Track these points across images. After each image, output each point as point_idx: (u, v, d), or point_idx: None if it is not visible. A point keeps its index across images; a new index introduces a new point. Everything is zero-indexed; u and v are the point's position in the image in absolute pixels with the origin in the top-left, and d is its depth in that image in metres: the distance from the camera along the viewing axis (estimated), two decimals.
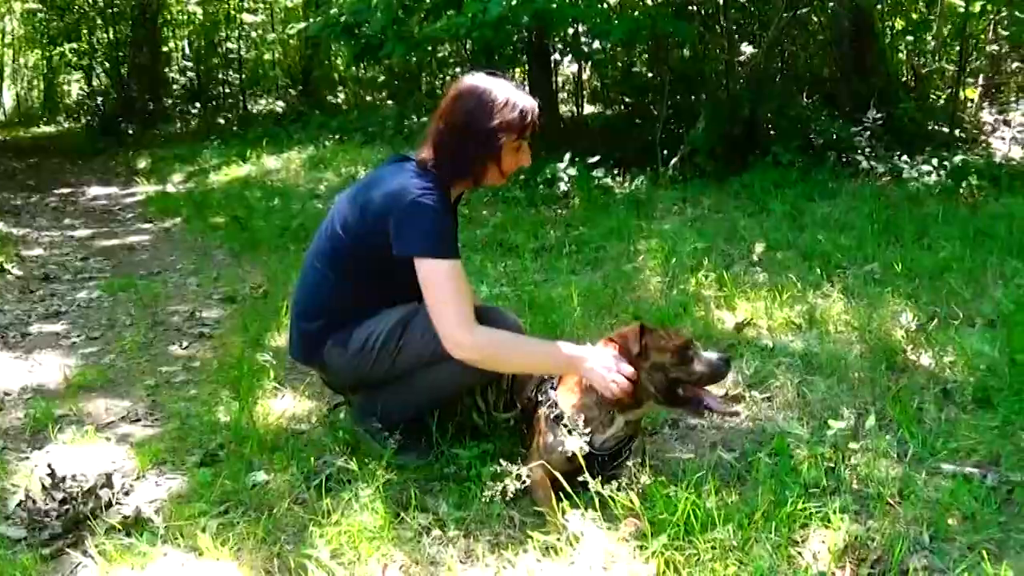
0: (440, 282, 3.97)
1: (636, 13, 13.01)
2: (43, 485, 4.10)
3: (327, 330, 4.38)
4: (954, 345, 5.33)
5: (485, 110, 4.07)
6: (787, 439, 4.32)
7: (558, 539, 3.45)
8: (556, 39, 14.88)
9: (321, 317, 4.41)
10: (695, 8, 13.96)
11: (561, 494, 3.66)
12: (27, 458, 4.73)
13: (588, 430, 3.81)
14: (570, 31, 14.21)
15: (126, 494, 4.23)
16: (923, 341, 5.50)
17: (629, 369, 3.88)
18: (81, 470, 4.33)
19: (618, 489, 3.56)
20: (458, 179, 4.24)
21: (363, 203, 4.22)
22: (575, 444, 3.67)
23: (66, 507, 3.96)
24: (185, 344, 6.67)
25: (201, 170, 16.48)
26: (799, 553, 3.43)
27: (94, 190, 16.02)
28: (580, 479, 3.60)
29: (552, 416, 4.01)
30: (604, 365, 3.89)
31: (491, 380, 4.48)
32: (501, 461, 3.68)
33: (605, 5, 12.94)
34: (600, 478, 3.61)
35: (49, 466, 4.22)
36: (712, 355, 3.96)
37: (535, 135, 4.25)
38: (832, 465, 4.09)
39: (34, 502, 4.01)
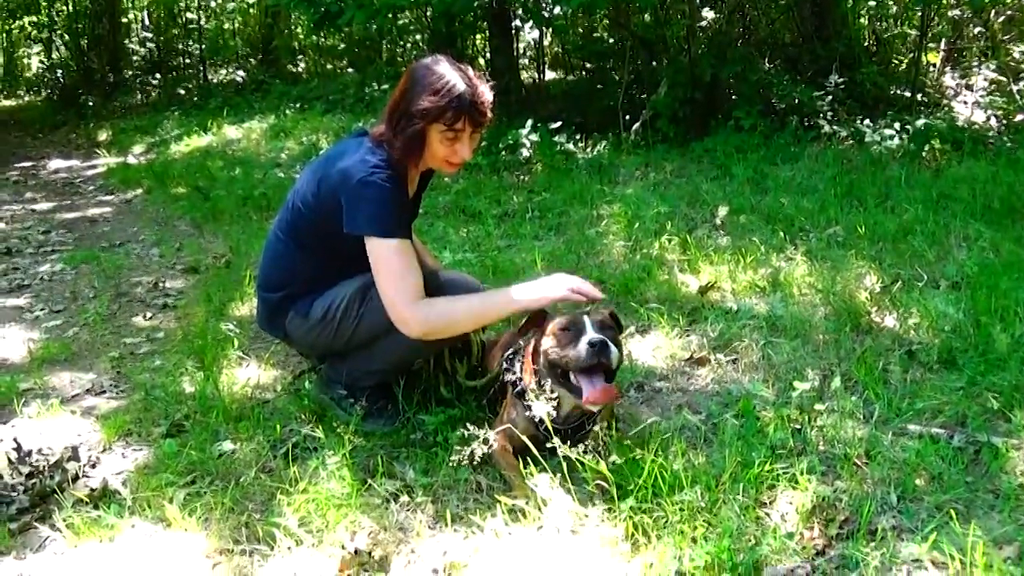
0: (385, 261, 4.00)
1: None
2: (9, 460, 4.08)
3: (288, 300, 4.40)
4: (918, 307, 5.35)
5: (416, 92, 4.04)
6: (753, 401, 4.35)
7: (526, 503, 3.45)
8: (516, 5, 14.80)
9: (282, 288, 4.43)
10: None
11: (529, 459, 3.66)
12: None
13: (555, 396, 3.81)
14: None
15: (93, 467, 4.22)
16: (887, 303, 5.52)
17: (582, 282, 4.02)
18: (47, 444, 4.33)
19: (585, 452, 3.56)
20: (404, 158, 4.18)
21: (320, 178, 4.22)
22: (542, 410, 3.66)
23: (33, 481, 3.94)
24: (149, 315, 6.64)
25: (162, 141, 16.37)
26: (767, 514, 3.45)
27: (55, 163, 15.89)
28: (548, 445, 3.60)
29: (515, 391, 4.03)
30: (553, 283, 4.03)
31: (455, 346, 4.49)
32: (468, 426, 3.69)
33: None
34: (568, 443, 3.61)
35: (15, 440, 4.21)
36: (586, 339, 3.78)
37: (479, 127, 4.18)
38: (798, 427, 4.11)
39: (1, 477, 3.99)
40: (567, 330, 3.87)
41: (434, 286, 4.15)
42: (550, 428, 3.64)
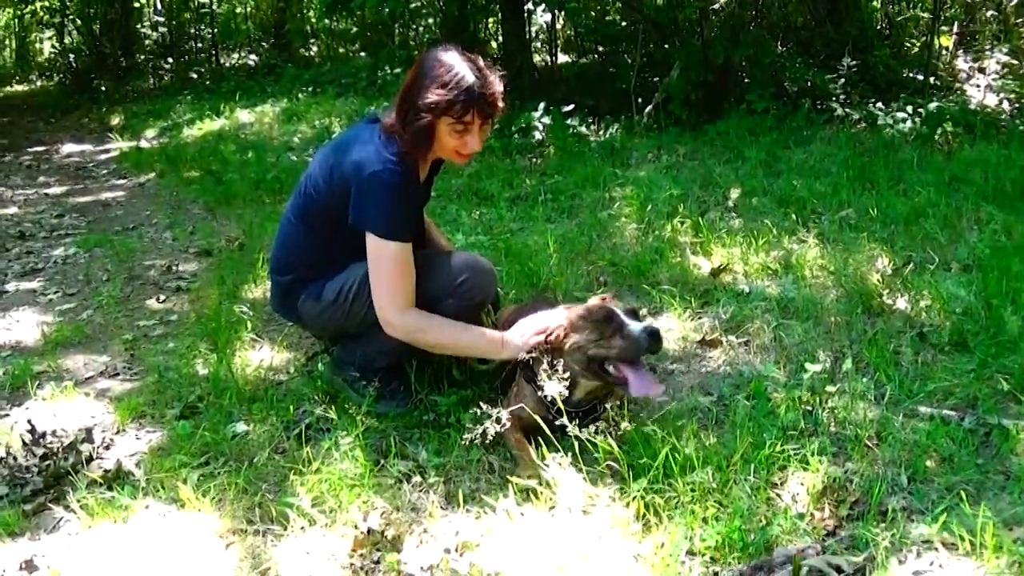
0: (382, 262, 4.04)
1: None
2: (24, 442, 4.12)
3: (300, 283, 4.43)
4: (930, 289, 5.34)
5: (424, 84, 4.02)
6: (764, 383, 4.36)
7: (538, 483, 3.46)
8: None
9: (294, 271, 4.46)
10: None
11: (540, 439, 3.67)
12: (7, 415, 4.75)
13: (567, 376, 3.82)
14: None
15: (106, 448, 4.25)
16: (899, 285, 5.52)
17: (536, 330, 4.00)
18: (61, 426, 4.37)
19: (596, 433, 3.57)
20: (414, 150, 4.18)
21: (332, 165, 4.24)
22: (554, 389, 3.67)
23: (47, 463, 3.97)
24: (162, 298, 6.66)
25: (175, 125, 16.37)
26: (778, 495, 3.46)
27: (68, 147, 15.90)
28: (559, 423, 3.61)
29: (524, 372, 4.04)
30: (519, 334, 4.01)
31: None
32: (481, 404, 3.68)
33: None
34: (579, 424, 3.62)
35: (29, 423, 4.24)
36: (637, 326, 3.82)
37: (489, 119, 4.16)
38: (810, 408, 4.12)
39: (15, 459, 4.02)
40: (607, 321, 3.86)
41: (445, 266, 4.20)
42: (562, 409, 3.65)
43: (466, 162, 4.38)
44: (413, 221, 4.24)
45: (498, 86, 4.10)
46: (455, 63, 4.02)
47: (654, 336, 3.76)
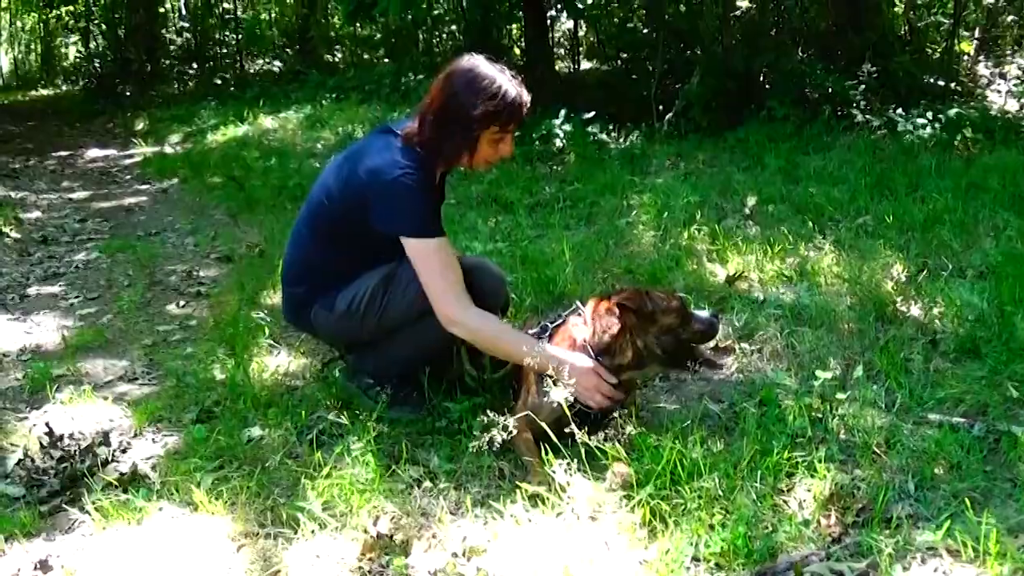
0: (430, 260, 4.07)
1: None
2: (41, 444, 4.17)
3: (313, 293, 4.45)
4: (943, 296, 5.35)
5: (471, 96, 4.07)
6: (775, 390, 4.37)
7: (548, 489, 3.49)
8: None
9: (306, 281, 4.49)
10: None
11: (547, 446, 3.70)
12: (26, 418, 4.79)
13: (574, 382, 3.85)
14: None
15: (123, 451, 4.29)
16: (913, 292, 5.53)
17: (612, 379, 4.00)
18: (79, 429, 4.41)
19: (605, 440, 3.61)
20: (437, 160, 4.26)
21: (346, 175, 4.28)
22: (560, 395, 3.70)
23: (64, 465, 4.02)
24: (182, 303, 6.72)
25: (198, 131, 16.45)
26: (785, 502, 3.47)
27: (92, 152, 16.00)
28: (567, 430, 3.64)
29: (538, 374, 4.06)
30: (585, 376, 3.96)
31: None
32: (489, 412, 3.71)
33: None
34: (588, 430, 3.65)
35: (47, 425, 4.28)
36: (703, 313, 4.06)
37: (520, 125, 4.28)
38: (819, 415, 4.12)
39: (33, 461, 4.07)
40: (683, 308, 4.05)
41: (464, 269, 4.22)
42: (567, 414, 3.67)
43: (490, 168, 4.46)
44: (440, 220, 4.28)
45: (527, 95, 4.20)
46: (495, 75, 4.12)
47: (719, 319, 4.17)
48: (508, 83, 4.11)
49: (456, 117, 4.08)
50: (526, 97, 4.17)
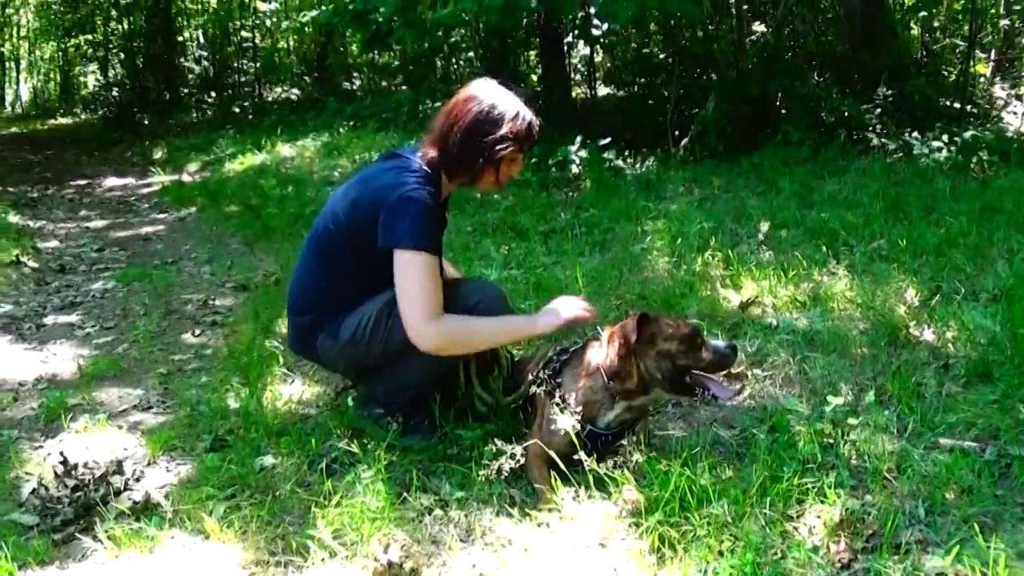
0: (410, 271, 4.06)
1: None
2: (56, 473, 4.18)
3: (319, 322, 4.45)
4: (956, 320, 5.35)
5: (496, 117, 4.13)
6: (786, 416, 4.36)
7: (559, 517, 3.50)
8: (566, 22, 14.85)
9: (313, 310, 4.48)
10: None
11: (556, 473, 3.71)
12: (41, 447, 4.82)
13: (581, 410, 3.87)
14: (580, 14, 14.17)
15: (137, 480, 4.30)
16: (926, 316, 5.52)
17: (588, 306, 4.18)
18: (93, 458, 4.42)
19: (614, 467, 3.61)
20: (455, 178, 4.29)
21: (355, 197, 4.30)
22: (567, 422, 3.71)
23: (78, 494, 4.03)
24: (198, 332, 6.74)
25: (216, 159, 16.54)
26: (795, 528, 3.47)
27: (110, 181, 16.10)
28: (575, 457, 3.65)
29: (550, 399, 4.06)
30: (564, 301, 4.18)
31: (485, 358, 4.55)
32: (497, 441, 3.74)
33: None
34: (597, 456, 3.67)
35: (61, 454, 4.30)
36: (719, 343, 4.04)
37: (533, 146, 4.35)
38: (831, 441, 4.12)
39: (47, 489, 4.08)
40: (695, 336, 4.02)
41: (455, 292, 4.25)
42: (574, 439, 3.69)
43: (501, 188, 4.51)
44: (438, 241, 4.30)
45: (536, 116, 4.28)
46: (511, 99, 4.21)
47: (735, 352, 4.05)
48: (522, 106, 4.19)
49: (484, 139, 4.12)
50: (536, 118, 4.25)
